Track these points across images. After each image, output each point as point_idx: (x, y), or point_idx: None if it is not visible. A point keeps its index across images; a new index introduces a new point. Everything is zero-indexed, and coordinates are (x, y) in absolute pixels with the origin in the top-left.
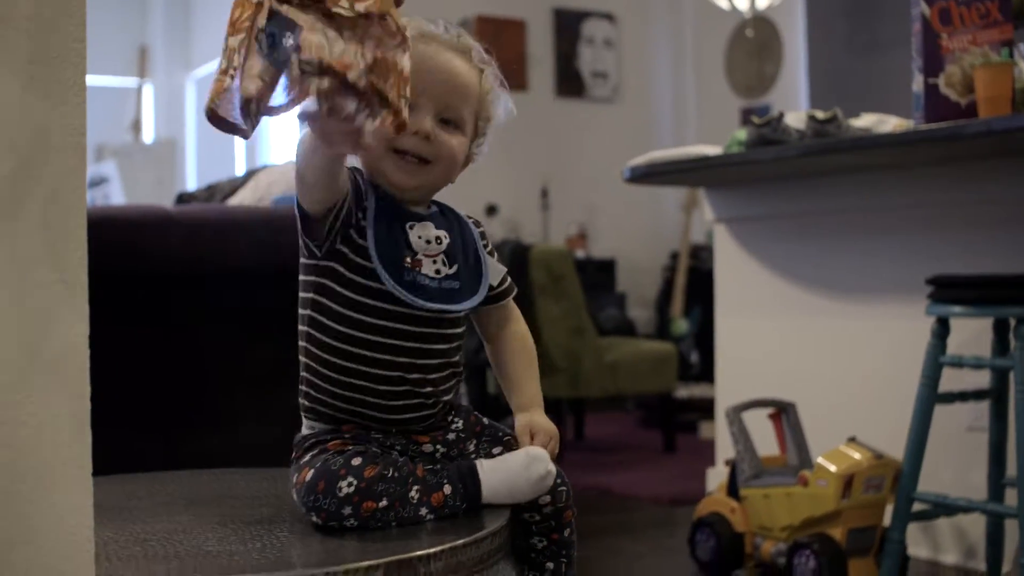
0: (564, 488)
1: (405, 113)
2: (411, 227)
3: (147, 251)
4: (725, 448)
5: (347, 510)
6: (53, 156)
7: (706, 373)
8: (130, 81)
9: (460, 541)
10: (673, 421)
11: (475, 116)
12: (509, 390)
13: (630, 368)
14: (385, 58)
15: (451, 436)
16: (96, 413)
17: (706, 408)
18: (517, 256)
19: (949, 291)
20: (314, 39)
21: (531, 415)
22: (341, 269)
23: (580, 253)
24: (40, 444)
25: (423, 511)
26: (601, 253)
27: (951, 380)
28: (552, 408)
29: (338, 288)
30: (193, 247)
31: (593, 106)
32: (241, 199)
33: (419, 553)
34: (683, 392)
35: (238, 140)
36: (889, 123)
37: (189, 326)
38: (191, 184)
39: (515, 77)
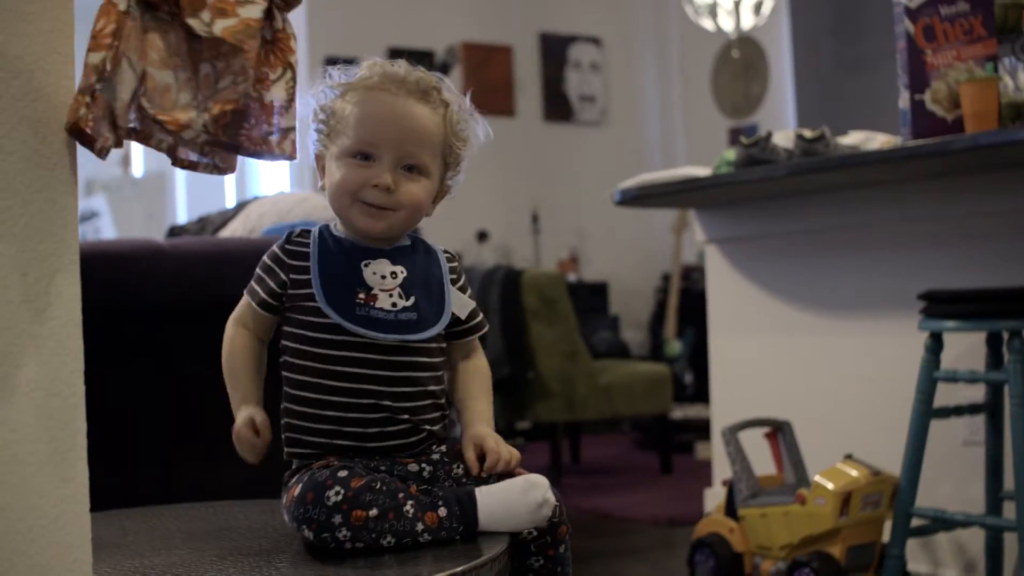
0: (556, 503)
1: (283, 147)
2: (366, 264)
3: (139, 285)
4: (722, 468)
5: (337, 519)
6: (44, 194)
7: (701, 393)
8: None
9: (460, 568)
10: (669, 442)
11: (441, 156)
12: (460, 410)
13: (625, 390)
14: (237, 107)
15: (435, 456)
16: (89, 448)
17: (702, 429)
18: (509, 281)
19: (941, 306)
20: (160, 79)
21: (476, 428)
22: (300, 316)
23: (572, 277)
24: (38, 481)
25: (419, 527)
26: (593, 276)
27: (946, 395)
28: (548, 432)
29: (303, 332)
30: (185, 280)
31: (581, 130)
32: (232, 231)
33: None
34: (678, 413)
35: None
36: (877, 140)
37: (182, 359)
38: (182, 217)
39: (503, 103)
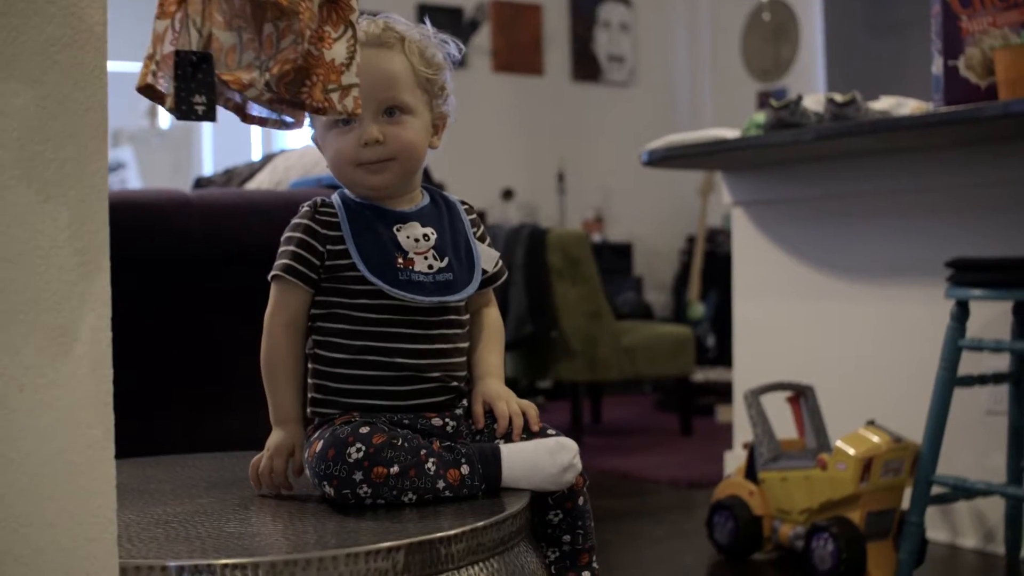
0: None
1: (345, 103)
2: (398, 229)
3: (165, 235)
4: (743, 431)
5: (358, 475)
6: (75, 140)
7: (722, 357)
8: None
9: (481, 523)
10: (690, 405)
11: (420, 88)
12: (472, 361)
13: (647, 352)
14: (296, 66)
15: (459, 411)
16: (115, 396)
17: (723, 391)
18: (534, 240)
19: (968, 274)
20: (225, 40)
21: (486, 382)
22: (337, 285)
23: (597, 237)
24: (64, 427)
25: (440, 484)
26: (618, 237)
27: (970, 363)
28: (569, 392)
29: (340, 299)
30: (211, 231)
31: (609, 90)
32: (259, 183)
33: (440, 535)
34: (700, 376)
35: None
36: (908, 106)
37: (207, 310)
38: (207, 169)
39: (531, 61)
